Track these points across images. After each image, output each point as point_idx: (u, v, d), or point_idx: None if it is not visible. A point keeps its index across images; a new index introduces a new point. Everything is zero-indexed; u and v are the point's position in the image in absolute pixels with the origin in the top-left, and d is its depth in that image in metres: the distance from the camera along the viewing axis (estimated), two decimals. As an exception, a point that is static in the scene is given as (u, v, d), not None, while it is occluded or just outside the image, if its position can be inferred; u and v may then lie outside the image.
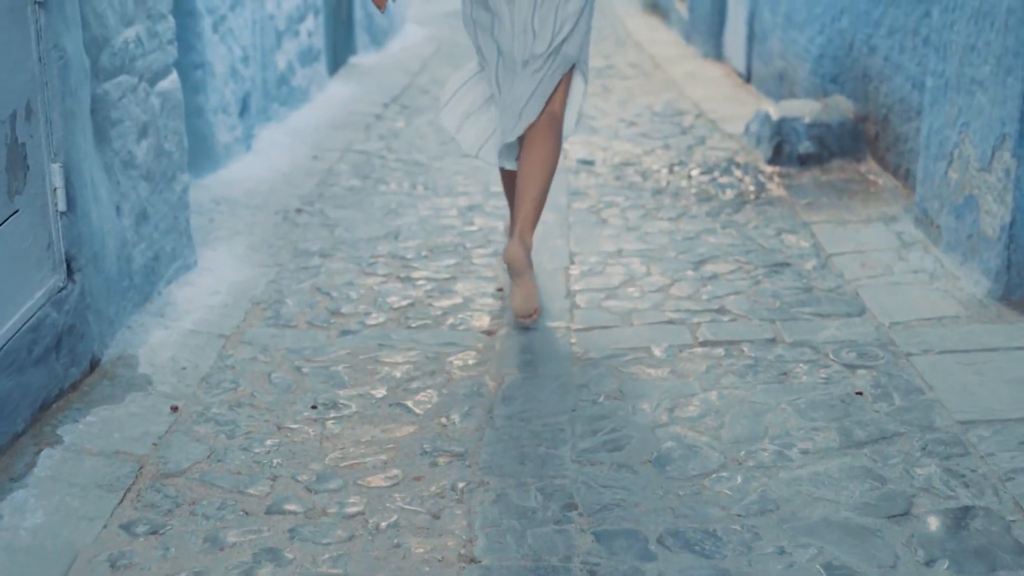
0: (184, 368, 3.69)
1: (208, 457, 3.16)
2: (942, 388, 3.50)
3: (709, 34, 9.60)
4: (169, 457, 3.14)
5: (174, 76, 4.41)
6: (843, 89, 6.38)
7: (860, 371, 3.66)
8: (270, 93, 7.10)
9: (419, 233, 5.22)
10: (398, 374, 3.74)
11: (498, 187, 5.92)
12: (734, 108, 7.66)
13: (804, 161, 6.03)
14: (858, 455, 3.15)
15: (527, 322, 4.05)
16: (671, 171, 6.18)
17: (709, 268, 4.67)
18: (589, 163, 6.43)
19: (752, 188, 5.76)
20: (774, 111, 6.28)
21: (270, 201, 5.69)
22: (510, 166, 4.31)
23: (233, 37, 6.32)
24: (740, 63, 8.64)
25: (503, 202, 5.66)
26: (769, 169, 6.06)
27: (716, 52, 9.46)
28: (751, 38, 8.34)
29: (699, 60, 9.62)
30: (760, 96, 7.94)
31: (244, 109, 6.54)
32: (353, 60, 9.60)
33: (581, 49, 4.15)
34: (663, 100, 8.16)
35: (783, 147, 6.11)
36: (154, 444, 3.20)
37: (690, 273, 4.62)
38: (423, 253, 4.94)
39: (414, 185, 6.04)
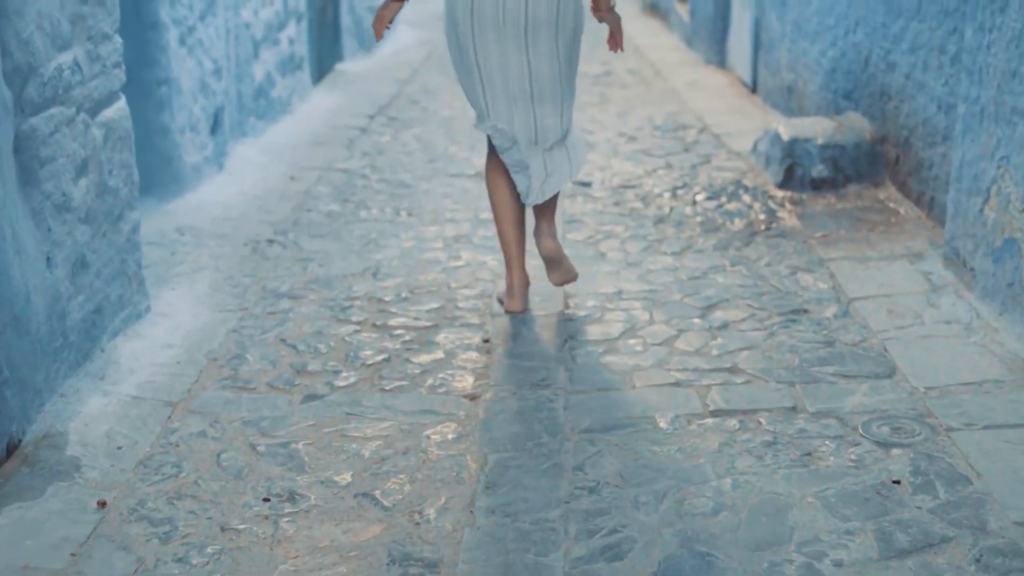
0: (120, 448, 3.18)
1: (135, 572, 2.65)
2: (992, 476, 3.00)
3: (711, 40, 9.08)
4: (88, 573, 2.63)
5: (121, 104, 3.89)
6: (857, 106, 5.87)
7: (895, 451, 3.16)
8: (246, 107, 6.59)
9: (400, 269, 4.71)
10: (367, 452, 3.23)
11: (487, 214, 5.41)
12: (739, 122, 7.15)
13: (817, 186, 5.52)
14: (901, 568, 2.64)
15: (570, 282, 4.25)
16: (674, 195, 5.67)
17: (718, 315, 4.16)
18: (586, 185, 5.92)
19: (762, 217, 5.25)
20: (784, 130, 5.77)
21: (240, 229, 5.18)
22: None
23: (203, 49, 5.80)
24: (745, 72, 8.13)
25: (492, 231, 5.15)
26: (780, 194, 5.55)
27: (719, 59, 8.95)
28: (757, 47, 7.83)
29: (701, 67, 9.10)
30: (766, 109, 7.43)
31: (216, 126, 6.02)
32: (340, 67, 9.08)
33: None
34: (664, 112, 7.65)
35: (795, 170, 5.59)
36: (73, 555, 2.69)
37: (697, 321, 4.11)
38: (403, 294, 4.43)
39: (397, 211, 5.52)
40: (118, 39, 3.85)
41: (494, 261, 4.78)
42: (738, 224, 5.16)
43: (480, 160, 6.46)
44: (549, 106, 3.95)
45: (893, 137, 5.39)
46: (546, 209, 4.15)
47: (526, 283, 4.22)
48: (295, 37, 7.62)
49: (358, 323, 4.16)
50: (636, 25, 11.83)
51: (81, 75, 3.56)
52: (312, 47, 8.31)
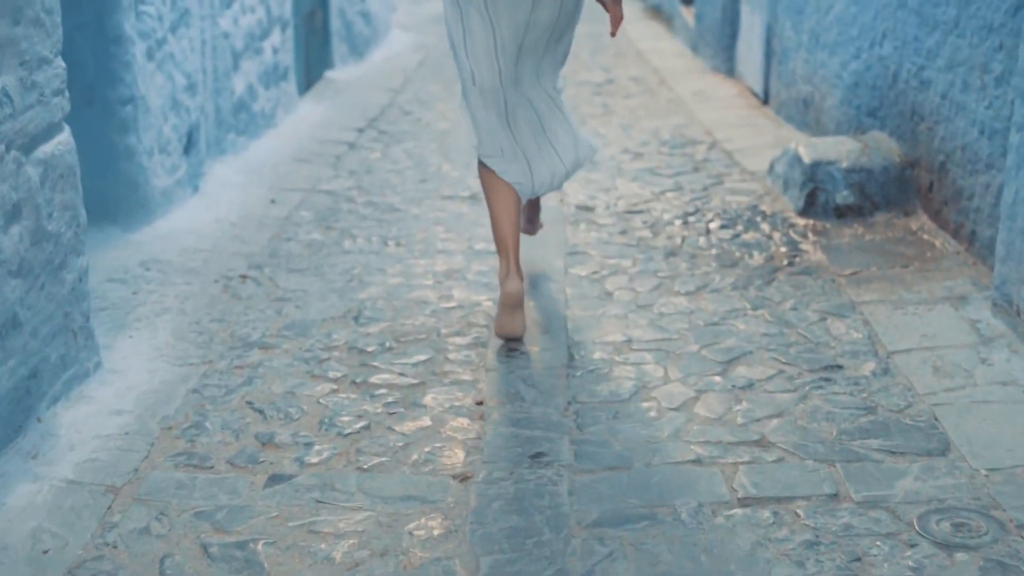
0: (47, 552, 2.67)
1: None
2: (1079, 592, 2.50)
3: (719, 47, 8.56)
4: None
5: (63, 136, 3.38)
6: (884, 125, 5.36)
7: (959, 555, 2.65)
8: (225, 123, 6.07)
9: (385, 312, 4.20)
10: (338, 555, 2.72)
11: (483, 244, 4.90)
12: (752, 137, 6.63)
13: (842, 213, 5.01)
14: None
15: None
16: (686, 223, 5.16)
17: (742, 371, 3.65)
18: (589, 209, 5.42)
19: (784, 249, 4.74)
20: (805, 151, 5.26)
21: (211, 263, 4.67)
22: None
23: (174, 63, 5.29)
24: (756, 82, 7.61)
25: (488, 265, 4.65)
26: (801, 222, 5.04)
27: (727, 67, 8.43)
28: (769, 55, 7.31)
29: (708, 76, 8.58)
30: (780, 123, 6.91)
31: (190, 145, 5.51)
32: (329, 75, 8.56)
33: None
34: (671, 125, 7.13)
35: (817, 195, 5.08)
36: None
37: (718, 379, 3.60)
38: (388, 343, 3.92)
39: (384, 240, 5.01)
40: (60, 63, 3.34)
41: (489, 301, 4.27)
42: (757, 258, 4.65)
43: (475, 180, 5.96)
44: (530, 62, 3.90)
45: (926, 162, 4.87)
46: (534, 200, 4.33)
47: (520, 278, 3.90)
48: (280, 46, 7.10)
49: (336, 380, 3.64)
50: (638, 28, 11.31)
51: (11, 106, 3.05)
52: (299, 55, 7.79)
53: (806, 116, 6.50)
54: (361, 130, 7.15)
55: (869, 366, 3.64)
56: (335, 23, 8.71)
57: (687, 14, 9.99)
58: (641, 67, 9.22)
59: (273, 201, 5.57)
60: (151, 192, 5.04)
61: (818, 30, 6.28)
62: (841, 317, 4.03)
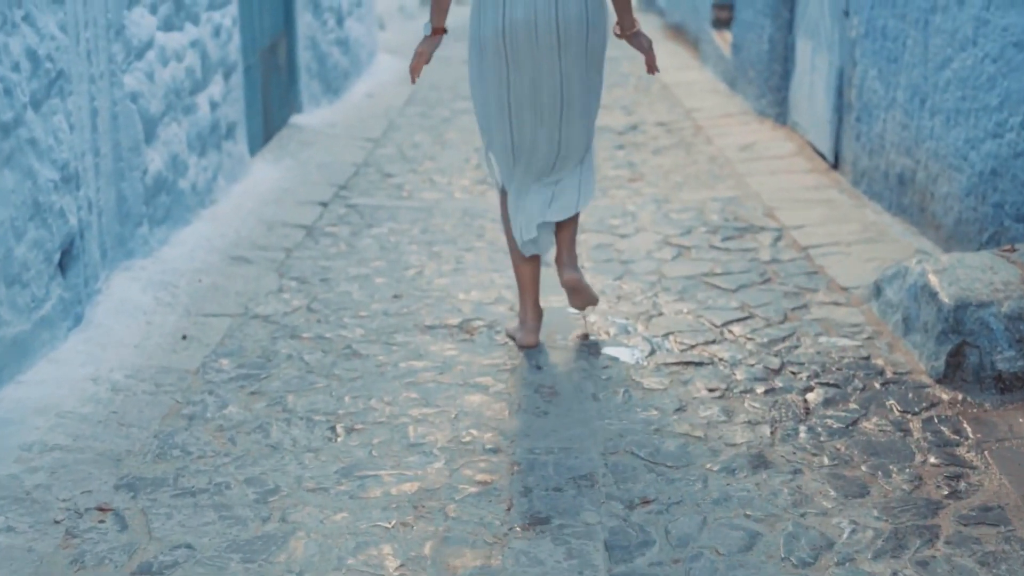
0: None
1: None
2: None
3: (766, 86, 6.80)
4: None
5: None
6: (1045, 237, 3.62)
7: None
8: (132, 215, 4.32)
9: (313, 602, 2.47)
10: None
11: (476, 432, 3.16)
12: (831, 223, 4.88)
13: (1007, 386, 3.27)
14: None
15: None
16: (770, 391, 3.40)
17: None
18: (621, 357, 3.67)
19: (934, 461, 2.97)
20: (938, 281, 3.50)
21: (59, 486, 2.91)
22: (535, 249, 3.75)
23: (37, 153, 3.53)
24: (822, 139, 5.85)
25: (480, 482, 2.92)
26: (945, 397, 3.29)
27: (777, 112, 6.67)
28: (841, 108, 5.55)
29: (753, 122, 6.81)
30: (862, 199, 5.15)
31: (70, 262, 3.77)
32: (296, 121, 6.80)
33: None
34: (719, 199, 5.38)
35: (965, 355, 3.33)
36: None
37: None
38: None
39: (331, 430, 3.23)
40: None
41: (484, 578, 2.53)
42: (898, 482, 2.89)
43: (475, 292, 4.23)
44: (579, 123, 3.59)
45: None
46: (565, 236, 3.77)
47: (539, 316, 3.81)
48: (222, 97, 5.34)
49: None
50: (660, 54, 9.47)
51: None
52: (253, 102, 6.03)
53: (903, 198, 4.74)
54: (325, 205, 5.39)
55: None
56: (304, 57, 6.94)
57: (720, 40, 8.21)
58: (670, 107, 7.45)
59: (184, 337, 3.82)
60: (-8, 348, 3.30)
61: (925, 88, 4.51)
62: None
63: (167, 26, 4.71)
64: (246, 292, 4.25)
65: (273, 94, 6.45)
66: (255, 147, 6.04)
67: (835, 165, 5.65)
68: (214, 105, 5.23)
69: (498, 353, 3.73)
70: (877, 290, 3.91)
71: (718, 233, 4.89)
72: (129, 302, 4.02)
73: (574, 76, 3.48)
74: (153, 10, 4.57)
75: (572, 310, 3.97)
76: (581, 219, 5.08)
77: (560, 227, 3.74)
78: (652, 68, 3.67)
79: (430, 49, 3.58)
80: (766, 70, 6.78)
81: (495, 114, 3.55)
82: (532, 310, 3.78)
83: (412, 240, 4.90)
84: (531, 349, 3.74)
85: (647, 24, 10.38)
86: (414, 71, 3.60)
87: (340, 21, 7.67)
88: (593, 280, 4.32)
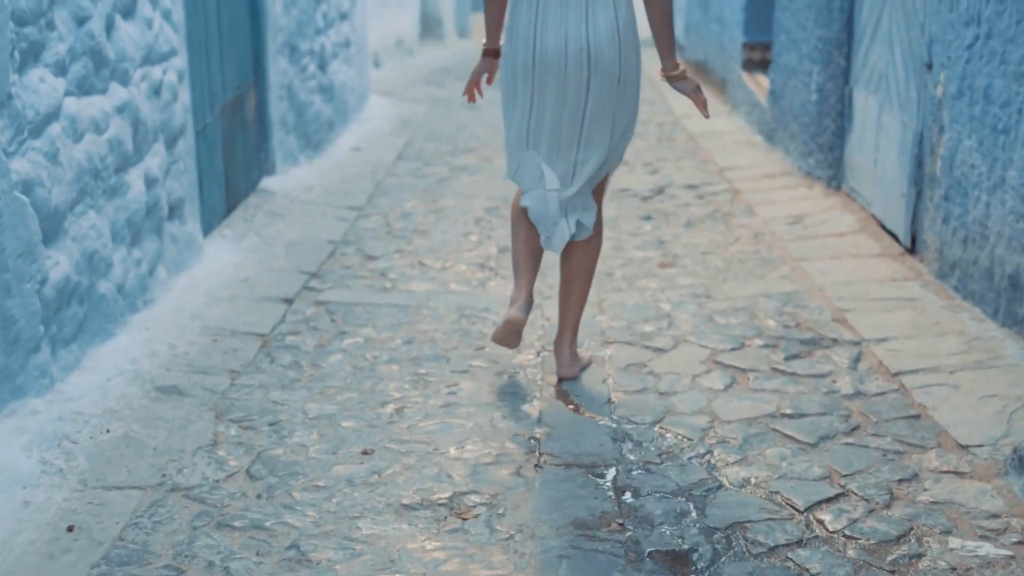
0: None
1: None
2: None
3: (814, 143, 5.69)
4: None
5: None
6: None
7: None
8: (20, 342, 3.19)
9: None
10: None
11: None
12: (922, 333, 3.76)
13: None
14: None
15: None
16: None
17: None
18: (680, 558, 2.56)
19: None
20: None
21: None
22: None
23: None
24: (892, 214, 4.73)
25: None
26: None
27: (829, 174, 5.56)
28: (922, 180, 4.43)
29: (801, 184, 5.70)
30: (954, 299, 4.03)
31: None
32: (267, 184, 5.70)
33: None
34: (773, 295, 4.26)
35: None
36: None
37: None
38: None
39: None
40: None
41: None
42: None
43: (472, 446, 3.12)
44: (596, 147, 3.37)
45: None
46: (569, 318, 3.52)
47: (529, 301, 3.48)
48: (164, 170, 4.24)
49: None
50: (677, 95, 8.40)
51: None
52: (211, 169, 4.93)
53: (1017, 306, 3.62)
54: (290, 302, 4.28)
55: None
56: (277, 109, 5.84)
57: (753, 85, 7.10)
58: (699, 164, 6.33)
59: (71, 529, 2.71)
60: None
61: (1053, 171, 3.39)
62: None
63: (82, 89, 3.61)
64: (168, 449, 3.13)
65: (238, 156, 5.35)
66: (212, 223, 4.94)
67: (911, 249, 4.53)
68: (152, 181, 4.13)
69: (500, 555, 2.61)
70: (1019, 463, 2.79)
71: (779, 348, 3.77)
72: (5, 471, 2.91)
73: (602, 100, 3.30)
74: (60, 70, 3.46)
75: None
76: (606, 322, 3.98)
77: (565, 292, 3.52)
78: (704, 111, 3.41)
79: (488, 71, 3.54)
80: (814, 124, 5.68)
81: (515, 138, 3.44)
82: (526, 290, 3.49)
83: (393, 356, 3.79)
84: (507, 347, 3.49)
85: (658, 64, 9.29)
86: (470, 94, 3.58)
87: (323, 65, 6.58)
88: (627, 428, 3.22)
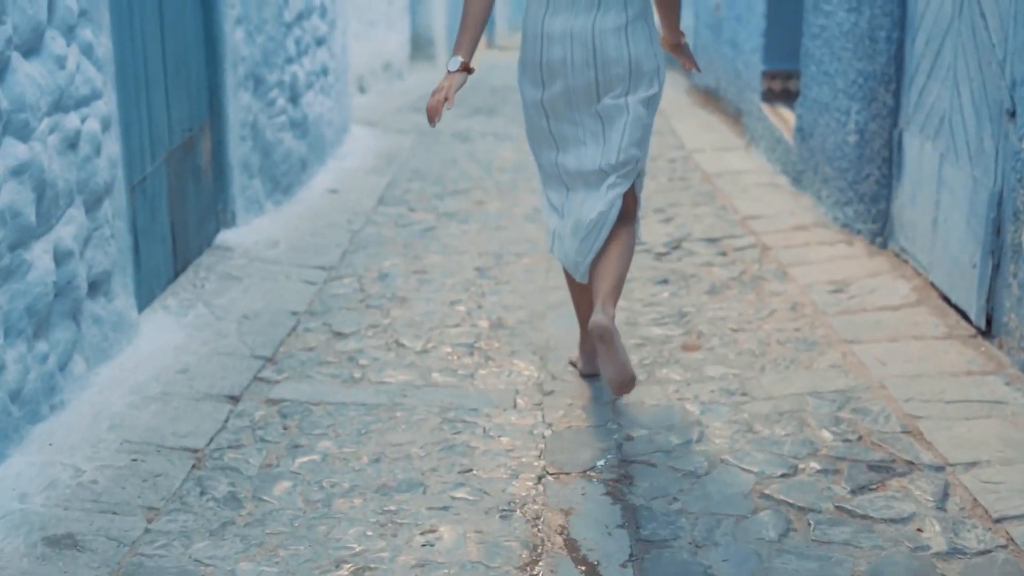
0: None
1: None
2: None
3: (852, 192, 4.87)
4: None
5: None
6: None
7: None
8: None
9: None
10: None
11: None
12: (1021, 459, 2.94)
13: None
14: None
15: (625, 393, 3.05)
16: None
17: None
18: None
19: None
20: None
21: None
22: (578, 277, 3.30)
23: None
24: (959, 287, 3.89)
25: None
26: None
27: (872, 228, 4.73)
28: (1001, 250, 3.60)
29: (839, 240, 4.87)
30: (1054, 407, 3.21)
31: None
32: (225, 239, 4.86)
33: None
34: (824, 395, 3.41)
35: None
36: None
37: None
38: None
39: None
40: None
41: None
42: None
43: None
44: (617, 119, 3.16)
45: None
46: (603, 283, 3.12)
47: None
48: (82, 239, 3.40)
49: None
50: (691, 127, 7.61)
51: None
52: (153, 227, 4.10)
53: None
54: (236, 400, 3.44)
55: None
56: (238, 151, 5.00)
57: (776, 119, 6.27)
58: (718, 211, 5.50)
59: None
60: None
61: None
62: None
63: (-41, 150, 2.78)
64: (44, 643, 2.30)
65: (189, 209, 4.51)
66: (153, 292, 4.10)
67: (986, 331, 3.70)
68: (64, 255, 3.29)
69: None
70: None
71: (842, 476, 2.94)
72: None
73: (611, 83, 3.12)
74: (-75, 129, 2.64)
75: None
76: (621, 432, 3.15)
77: (603, 254, 3.18)
78: (691, 66, 3.43)
79: (454, 86, 3.04)
80: (853, 169, 4.85)
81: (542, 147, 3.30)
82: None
83: (356, 483, 2.95)
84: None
85: (670, 84, 8.44)
86: (431, 113, 3.04)
87: (294, 98, 5.75)
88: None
